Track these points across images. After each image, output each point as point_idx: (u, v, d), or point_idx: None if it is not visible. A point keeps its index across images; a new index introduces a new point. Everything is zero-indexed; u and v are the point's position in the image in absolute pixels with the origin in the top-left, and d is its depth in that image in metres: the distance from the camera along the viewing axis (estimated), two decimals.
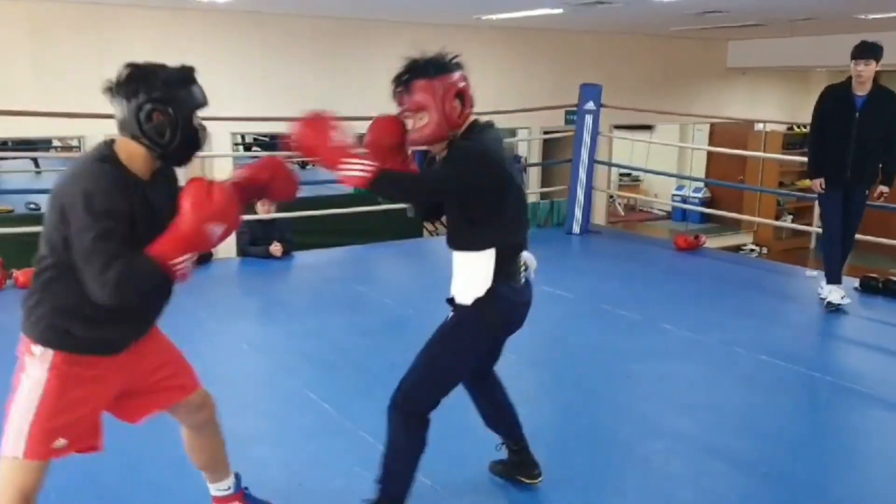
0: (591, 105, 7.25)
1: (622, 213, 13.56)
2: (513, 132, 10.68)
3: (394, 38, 8.43)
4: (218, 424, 2.36)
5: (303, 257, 6.33)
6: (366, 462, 2.81)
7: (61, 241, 1.87)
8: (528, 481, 2.73)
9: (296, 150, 2.14)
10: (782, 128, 11.94)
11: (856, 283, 5.37)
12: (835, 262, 4.88)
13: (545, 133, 9.20)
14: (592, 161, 7.38)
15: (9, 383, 2.01)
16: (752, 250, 12.02)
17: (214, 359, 4.20)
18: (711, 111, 10.54)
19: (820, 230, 8.56)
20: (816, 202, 10.76)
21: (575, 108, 7.45)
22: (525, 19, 8.07)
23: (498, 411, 2.67)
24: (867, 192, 4.78)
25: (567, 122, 8.60)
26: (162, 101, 1.88)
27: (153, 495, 2.67)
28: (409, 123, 2.24)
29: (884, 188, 4.74)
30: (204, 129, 2.01)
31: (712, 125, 11.97)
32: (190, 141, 1.96)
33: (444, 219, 2.38)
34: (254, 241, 6.22)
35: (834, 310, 4.84)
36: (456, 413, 2.71)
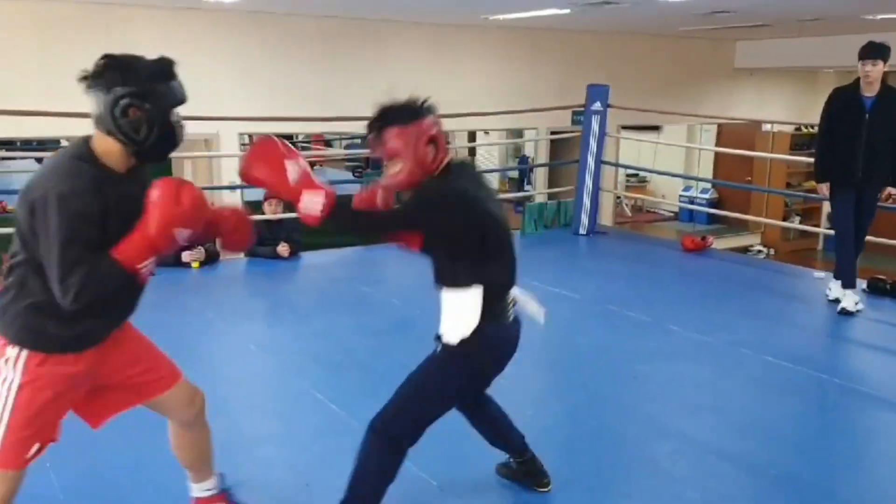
0: (598, 105, 7.24)
1: (629, 214, 13.54)
2: (520, 133, 10.69)
3: (401, 38, 8.44)
4: (206, 422, 2.32)
5: (310, 258, 6.34)
6: None
7: (32, 237, 1.83)
8: (538, 489, 2.72)
9: (249, 182, 2.10)
10: (790, 128, 11.91)
11: (863, 284, 5.34)
12: (848, 266, 4.85)
13: (552, 133, 9.19)
14: (599, 162, 7.37)
15: None
16: (759, 251, 11.98)
17: (222, 359, 4.21)
18: (719, 112, 10.51)
19: (828, 231, 8.58)
20: (824, 203, 10.87)
21: (582, 109, 7.44)
22: (532, 19, 8.06)
23: (494, 428, 2.66)
24: (878, 193, 4.76)
25: (574, 122, 8.59)
26: (139, 95, 1.82)
27: (158, 494, 2.67)
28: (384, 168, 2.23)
29: (893, 189, 4.71)
30: (182, 126, 1.95)
31: (720, 126, 11.94)
32: (166, 138, 1.90)
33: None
34: (261, 242, 6.22)
35: (846, 314, 4.82)
36: (461, 414, 2.71)
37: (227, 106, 6.99)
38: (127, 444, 2.35)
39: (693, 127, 12.15)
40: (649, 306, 4.97)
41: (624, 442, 3.19)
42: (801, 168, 11.43)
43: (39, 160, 10.92)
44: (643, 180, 14.41)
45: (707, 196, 12.53)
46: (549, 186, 9.37)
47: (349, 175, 14.17)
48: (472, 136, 12.93)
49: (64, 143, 10.97)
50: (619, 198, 11.85)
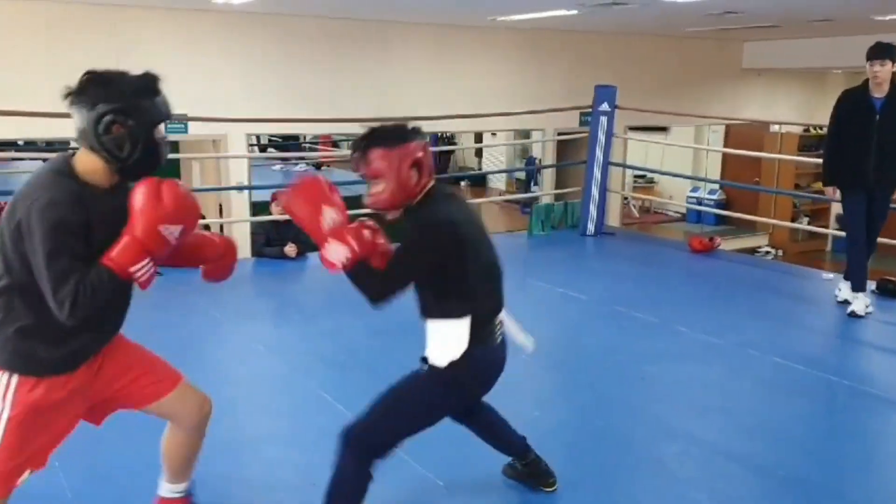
0: (605, 106, 7.23)
1: (637, 215, 13.51)
2: (527, 133, 10.68)
3: (409, 39, 8.44)
4: (204, 431, 2.30)
5: (317, 258, 6.31)
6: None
7: (18, 259, 1.80)
8: (544, 489, 2.72)
9: (286, 212, 2.14)
10: (798, 129, 11.86)
11: (873, 285, 5.32)
12: (859, 269, 4.82)
13: (559, 134, 9.18)
14: (607, 162, 7.36)
15: None
16: (767, 252, 11.94)
17: (229, 359, 4.22)
18: (727, 112, 10.48)
19: (837, 232, 8.53)
20: (833, 205, 10.82)
21: (589, 110, 7.43)
22: (540, 20, 8.05)
23: (493, 434, 2.66)
24: (890, 195, 4.73)
25: (581, 123, 8.58)
26: (122, 112, 1.80)
27: None
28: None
29: None
30: (166, 143, 1.93)
31: (728, 126, 11.90)
32: (150, 155, 1.87)
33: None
34: (268, 242, 6.25)
35: (856, 318, 4.80)
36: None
37: (235, 107, 7.00)
38: (135, 446, 2.36)
39: (701, 128, 12.11)
40: (657, 307, 4.96)
41: (631, 443, 3.18)
42: (809, 169, 11.39)
43: (46, 161, 11.01)
44: (651, 181, 14.38)
45: (715, 197, 12.49)
46: (557, 187, 9.36)
47: (355, 176, 14.16)
48: (479, 137, 12.93)
49: (73, 143, 11.05)
50: (626, 199, 11.82)
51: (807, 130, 11.92)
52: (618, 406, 3.57)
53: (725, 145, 11.85)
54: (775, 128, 11.73)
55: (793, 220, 11.45)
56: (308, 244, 6.36)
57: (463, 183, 16.08)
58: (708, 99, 10.57)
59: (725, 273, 6.16)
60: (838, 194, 4.88)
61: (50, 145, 10.25)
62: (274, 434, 3.24)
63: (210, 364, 4.07)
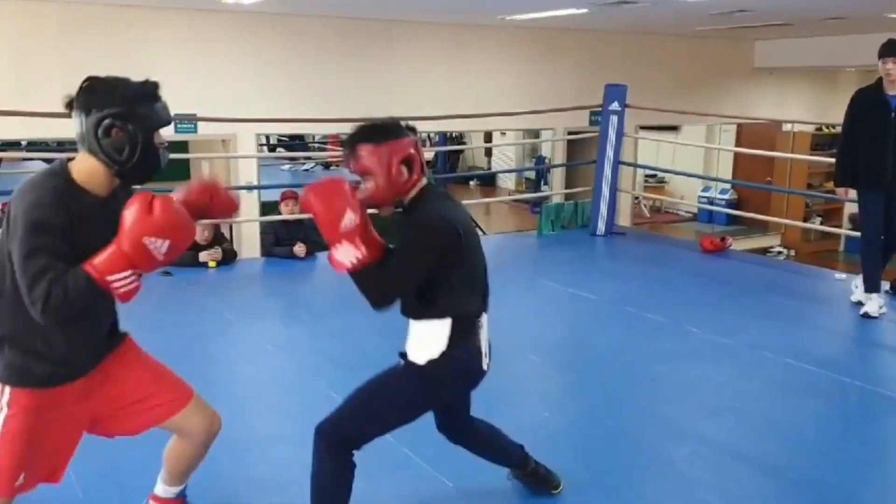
0: (615, 105, 7.20)
1: (647, 215, 13.47)
2: (537, 133, 10.66)
3: (418, 39, 8.44)
4: (209, 446, 2.29)
5: (326, 258, 6.32)
6: (388, 463, 2.81)
7: (8, 266, 1.81)
8: (552, 492, 2.70)
9: (305, 205, 2.13)
10: (811, 128, 11.78)
11: (886, 286, 5.27)
12: (873, 269, 4.77)
13: (569, 134, 9.16)
14: (617, 162, 7.33)
15: None
16: (779, 253, 11.87)
17: (238, 359, 4.23)
18: (738, 112, 10.43)
19: (850, 233, 8.47)
20: (846, 204, 10.74)
21: (600, 109, 7.41)
22: (549, 19, 8.03)
23: (489, 448, 2.62)
24: None
25: (591, 122, 8.56)
26: (122, 116, 1.82)
27: None
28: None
29: None
30: (165, 149, 1.95)
31: (739, 126, 11.84)
32: (149, 159, 1.89)
33: None
34: (278, 242, 6.26)
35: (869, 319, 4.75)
36: (475, 415, 2.70)
37: (245, 107, 7.02)
38: (146, 445, 2.36)
39: (712, 127, 12.06)
40: (667, 307, 4.94)
41: (641, 444, 3.16)
42: (822, 168, 11.31)
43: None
44: (661, 181, 14.32)
45: (726, 197, 12.43)
46: (567, 187, 9.33)
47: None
48: (488, 136, 12.91)
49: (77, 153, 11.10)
50: (637, 198, 11.78)
51: (819, 129, 11.84)
52: (628, 406, 3.55)
53: (737, 144, 11.79)
54: (787, 127, 11.66)
55: (805, 220, 11.37)
56: (317, 244, 6.36)
57: (472, 182, 16.07)
58: (719, 98, 10.52)
59: (737, 273, 6.12)
60: (851, 194, 4.83)
61: (60, 145, 10.32)
62: (283, 434, 3.23)
63: (219, 364, 4.08)
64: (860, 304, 4.86)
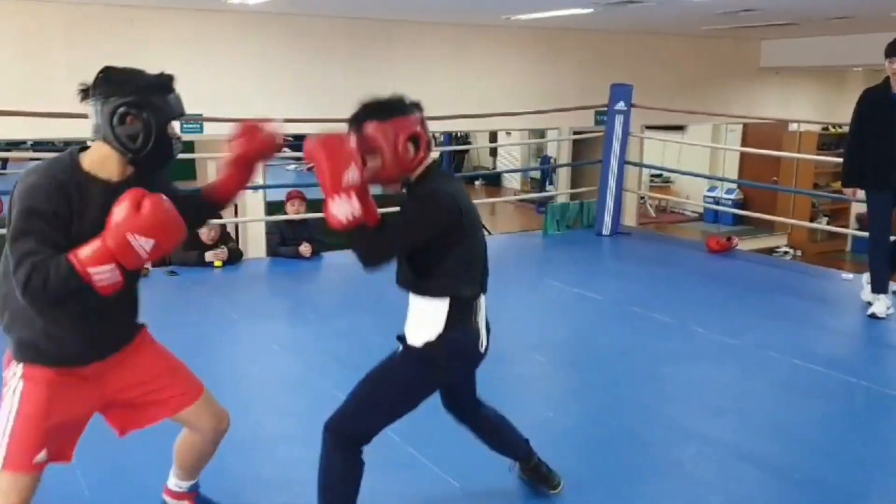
0: (621, 105, 7.19)
1: (653, 215, 13.44)
2: (542, 133, 10.66)
3: (423, 39, 8.44)
4: (219, 441, 2.32)
5: (332, 258, 6.36)
6: (394, 462, 2.81)
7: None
8: (551, 491, 2.70)
9: (309, 155, 2.10)
10: (817, 128, 11.75)
11: (894, 286, 5.25)
12: (881, 269, 4.76)
13: (575, 133, 9.15)
14: (623, 162, 7.32)
15: None
16: (785, 253, 11.84)
17: (244, 359, 4.24)
18: (744, 111, 10.40)
19: (857, 233, 8.44)
20: (853, 204, 10.70)
21: (605, 109, 7.40)
22: (555, 19, 8.02)
23: (495, 435, 2.62)
24: None
25: (597, 122, 8.54)
26: (136, 105, 1.86)
27: None
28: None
29: None
30: (179, 140, 1.98)
31: (745, 125, 11.82)
32: (162, 149, 1.92)
33: None
34: (283, 242, 6.27)
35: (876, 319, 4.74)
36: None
37: (250, 107, 6.99)
38: (153, 444, 2.37)
39: (718, 127, 12.03)
40: (673, 308, 4.93)
41: (646, 444, 3.16)
42: (828, 168, 11.27)
43: None
44: (667, 180, 14.31)
45: (732, 196, 12.40)
46: (572, 187, 9.32)
47: None
48: (493, 136, 12.92)
49: (89, 143, 11.16)
50: (642, 198, 11.77)
51: (826, 129, 11.80)
52: (632, 406, 3.54)
53: (743, 144, 11.77)
54: (794, 126, 11.63)
55: (812, 220, 11.33)
56: (323, 244, 6.38)
57: (478, 182, 16.06)
58: (725, 98, 10.49)
59: (743, 273, 6.11)
60: (859, 195, 4.81)
61: (67, 145, 10.35)
62: (288, 433, 3.24)
63: (225, 363, 4.09)
64: (870, 303, 4.84)
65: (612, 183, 7.27)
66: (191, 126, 6.80)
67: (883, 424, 3.43)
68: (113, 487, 2.72)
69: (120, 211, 1.77)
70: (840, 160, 4.92)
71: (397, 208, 2.24)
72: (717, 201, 12.21)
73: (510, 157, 15.98)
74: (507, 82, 8.86)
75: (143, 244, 1.76)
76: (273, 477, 2.85)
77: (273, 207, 7.55)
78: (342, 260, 6.38)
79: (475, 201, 2.34)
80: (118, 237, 1.75)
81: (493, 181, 16.15)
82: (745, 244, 8.56)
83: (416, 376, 2.25)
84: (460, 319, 2.21)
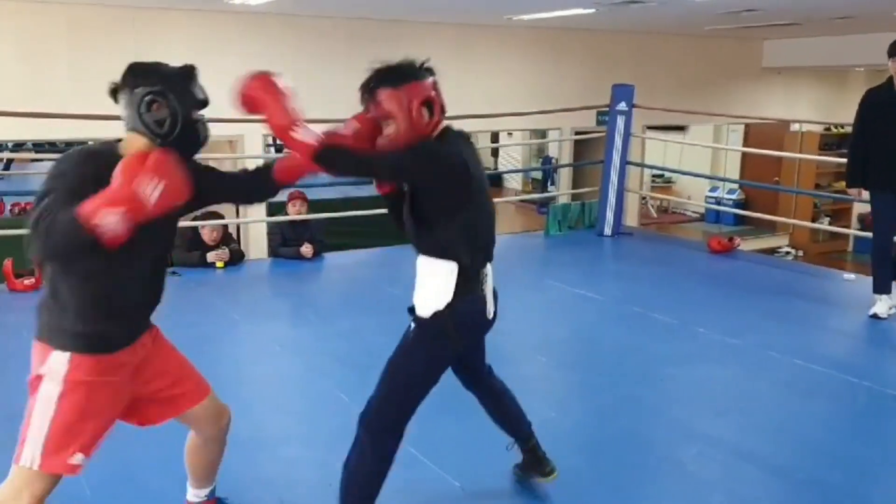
0: (623, 105, 7.19)
1: (655, 215, 13.44)
2: (543, 133, 10.65)
3: (425, 38, 8.44)
4: (226, 440, 2.34)
5: (333, 258, 6.36)
6: (397, 462, 2.81)
7: None
8: (543, 479, 2.69)
9: (242, 104, 2.05)
10: (819, 128, 11.74)
11: None
12: (883, 270, 4.75)
13: (576, 133, 9.15)
14: (624, 162, 7.32)
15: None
16: (787, 253, 11.83)
17: (246, 359, 4.24)
18: (746, 111, 10.39)
19: (858, 233, 8.43)
20: (855, 205, 10.69)
21: (607, 109, 7.39)
22: (557, 19, 8.02)
23: (499, 406, 2.64)
24: None
25: (598, 122, 8.54)
26: (161, 92, 1.92)
27: (186, 494, 2.69)
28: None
29: None
30: (205, 125, 2.03)
31: (747, 126, 11.81)
32: (189, 134, 1.98)
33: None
34: (284, 242, 6.27)
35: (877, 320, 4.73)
36: (484, 416, 2.70)
37: None
38: (156, 443, 2.37)
39: (720, 127, 12.03)
40: (675, 308, 4.93)
41: (648, 444, 3.16)
42: (830, 168, 11.27)
43: None
44: (669, 181, 14.30)
45: (734, 197, 12.39)
46: (574, 187, 9.32)
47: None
48: (495, 136, 12.92)
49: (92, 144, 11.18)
50: (644, 198, 11.77)
51: (828, 129, 11.80)
52: (635, 407, 3.54)
53: (745, 144, 11.76)
54: (795, 127, 11.62)
55: (813, 220, 11.33)
56: (324, 244, 6.38)
57: None
58: (727, 98, 10.49)
59: (745, 274, 6.11)
60: (865, 195, 4.81)
61: (69, 146, 10.36)
62: (290, 434, 3.25)
63: (226, 364, 4.09)
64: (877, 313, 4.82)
65: (613, 183, 7.26)
66: None
67: (885, 425, 3.42)
68: (115, 487, 2.72)
69: (125, 161, 1.80)
70: (842, 160, 4.92)
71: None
72: (718, 201, 12.20)
73: (511, 158, 15.98)
74: (509, 82, 8.85)
75: (150, 190, 1.77)
76: (275, 477, 2.85)
77: (274, 208, 7.55)
78: (343, 261, 6.39)
79: None
80: (124, 183, 1.77)
81: (495, 181, 16.13)
82: (746, 244, 8.55)
83: (432, 350, 2.26)
84: (468, 289, 2.22)
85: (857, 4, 7.11)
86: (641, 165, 8.91)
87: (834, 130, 11.71)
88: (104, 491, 2.69)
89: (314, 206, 6.64)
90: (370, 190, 8.16)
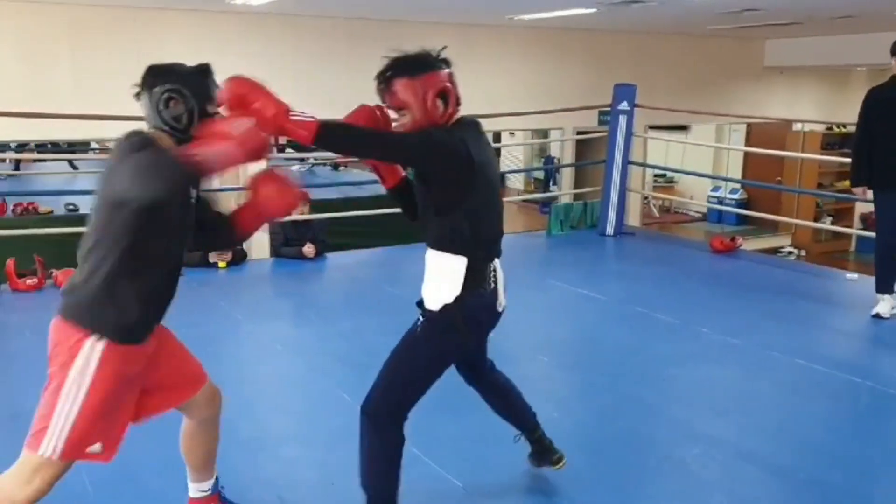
0: (624, 105, 7.18)
1: (657, 215, 13.44)
2: (545, 133, 10.65)
3: (427, 38, 8.38)
4: (219, 423, 2.36)
5: (335, 258, 6.37)
6: None
7: (112, 218, 1.92)
8: (554, 468, 2.72)
9: (230, 107, 2.04)
10: (821, 128, 11.73)
11: None
12: (886, 270, 4.74)
13: (578, 133, 9.14)
14: (626, 162, 7.32)
15: (41, 382, 2.02)
16: (789, 253, 11.82)
17: (248, 359, 4.25)
18: (748, 111, 10.39)
19: (861, 232, 8.42)
20: (857, 204, 10.67)
21: (609, 109, 7.39)
22: (558, 19, 8.02)
23: (503, 401, 2.65)
24: None
25: (600, 122, 8.54)
26: (178, 90, 2.00)
27: (187, 491, 2.69)
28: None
29: None
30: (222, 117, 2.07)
31: (749, 125, 11.81)
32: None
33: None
34: (286, 242, 6.27)
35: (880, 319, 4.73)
36: (485, 415, 2.70)
37: None
38: (157, 441, 2.38)
39: (722, 126, 12.02)
40: (677, 308, 4.92)
41: (650, 444, 3.16)
42: (832, 168, 11.25)
43: (71, 163, 11.15)
44: (671, 180, 14.29)
45: (736, 196, 12.39)
46: (576, 187, 9.32)
47: (373, 176, 14.25)
48: (497, 136, 12.91)
49: (94, 145, 11.18)
50: (646, 198, 11.76)
51: (830, 129, 11.78)
52: (636, 407, 3.54)
53: (747, 144, 11.75)
54: (798, 126, 11.61)
55: (816, 220, 11.32)
56: (326, 244, 6.38)
57: None
58: (729, 97, 10.48)
59: (747, 274, 6.10)
60: (869, 194, 4.80)
61: (70, 146, 10.37)
62: (292, 433, 3.25)
63: (228, 363, 4.09)
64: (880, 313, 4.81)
65: (615, 183, 7.25)
66: None
67: (887, 425, 3.42)
68: (116, 485, 2.73)
69: (218, 121, 1.97)
70: (844, 160, 4.92)
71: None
72: (720, 201, 12.20)
73: (513, 158, 15.97)
74: (511, 82, 8.85)
75: (237, 126, 1.90)
76: (277, 476, 2.85)
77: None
78: (345, 261, 6.39)
79: None
80: (215, 127, 1.91)
81: None
82: (748, 244, 8.54)
83: (439, 344, 2.27)
84: (476, 282, 2.22)
85: (858, 4, 7.11)
86: (643, 165, 8.91)
87: (836, 130, 11.69)
88: (105, 490, 2.69)
89: (316, 206, 6.65)
90: (371, 190, 8.19)
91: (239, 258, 6.00)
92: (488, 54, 8.80)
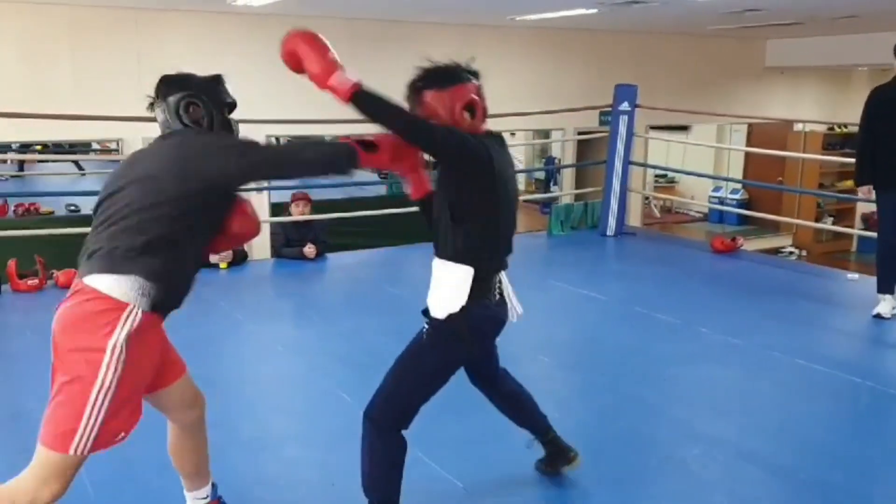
0: (625, 105, 7.18)
1: (658, 215, 13.42)
2: (546, 133, 10.64)
3: (428, 39, 8.45)
4: (205, 426, 2.35)
5: (336, 259, 6.37)
6: None
7: (172, 194, 1.97)
8: (570, 467, 2.73)
9: (286, 57, 2.18)
10: (822, 128, 11.72)
11: None
12: (888, 270, 4.74)
13: (579, 134, 9.14)
14: (627, 162, 7.32)
15: (42, 382, 2.02)
16: (791, 253, 11.81)
17: (249, 359, 4.25)
18: (749, 111, 10.38)
19: (862, 233, 8.42)
20: (858, 204, 10.66)
21: (609, 109, 7.39)
22: (559, 20, 8.02)
23: (514, 406, 2.67)
24: None
25: (601, 122, 8.54)
26: (195, 96, 2.11)
27: None
28: None
29: None
30: (236, 123, 2.22)
31: (750, 125, 11.79)
32: (224, 130, 2.16)
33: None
34: (288, 243, 6.28)
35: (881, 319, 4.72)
36: (486, 416, 2.70)
37: (256, 108, 7.01)
38: (158, 441, 2.38)
39: (723, 127, 12.01)
40: (678, 308, 4.92)
41: (651, 444, 3.15)
42: (834, 168, 11.24)
43: (78, 164, 11.16)
44: (672, 181, 14.27)
45: (737, 197, 12.37)
46: (577, 187, 9.32)
47: (374, 176, 14.21)
48: None
49: (95, 145, 11.18)
50: (647, 198, 11.75)
51: (831, 129, 11.77)
52: (637, 407, 3.53)
53: (748, 144, 11.74)
54: (799, 126, 11.60)
55: (817, 220, 11.30)
56: (327, 245, 6.38)
57: None
58: (730, 97, 10.48)
59: (748, 274, 6.10)
60: (873, 194, 4.80)
61: (72, 147, 10.37)
62: (293, 434, 3.25)
63: (229, 364, 4.10)
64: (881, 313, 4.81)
65: (616, 183, 7.26)
66: None
67: (888, 425, 3.42)
68: (117, 485, 2.73)
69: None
70: (846, 160, 4.92)
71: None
72: (721, 201, 12.19)
73: (514, 158, 15.94)
74: (512, 83, 8.84)
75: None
76: (278, 477, 2.85)
77: (277, 209, 7.57)
78: (346, 261, 6.39)
79: None
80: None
81: None
82: (749, 244, 8.54)
83: (444, 352, 2.28)
84: (481, 293, 2.24)
85: (859, 4, 7.10)
86: (644, 165, 8.90)
87: (837, 130, 11.68)
88: (105, 490, 2.69)
89: (317, 206, 6.65)
90: (373, 190, 8.18)
91: (240, 259, 6.00)
92: (489, 55, 8.77)
